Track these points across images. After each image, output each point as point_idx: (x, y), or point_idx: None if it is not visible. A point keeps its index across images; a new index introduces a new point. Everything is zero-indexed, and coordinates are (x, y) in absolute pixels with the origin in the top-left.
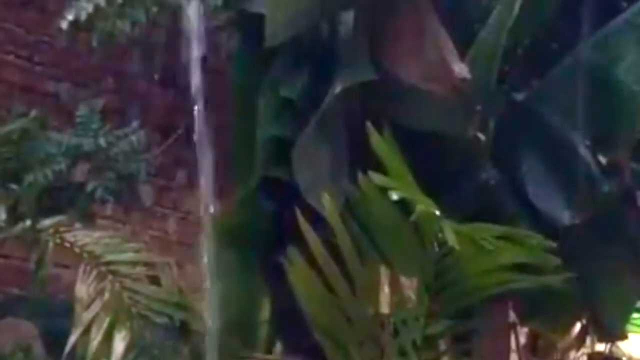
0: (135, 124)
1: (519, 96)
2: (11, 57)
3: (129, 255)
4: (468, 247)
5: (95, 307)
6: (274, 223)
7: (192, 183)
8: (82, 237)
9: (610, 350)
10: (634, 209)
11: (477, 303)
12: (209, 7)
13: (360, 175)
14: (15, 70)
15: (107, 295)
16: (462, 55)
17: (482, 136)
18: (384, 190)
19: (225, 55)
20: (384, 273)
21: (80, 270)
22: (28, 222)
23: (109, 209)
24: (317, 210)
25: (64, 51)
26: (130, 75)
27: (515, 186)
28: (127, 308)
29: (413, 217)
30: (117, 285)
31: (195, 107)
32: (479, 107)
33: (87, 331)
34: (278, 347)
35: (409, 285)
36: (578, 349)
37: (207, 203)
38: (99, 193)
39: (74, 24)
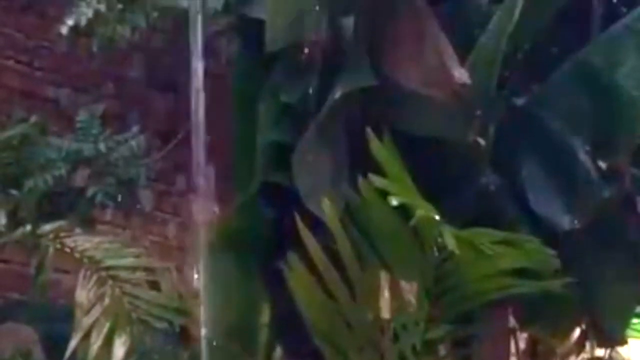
0: (135, 129)
1: (519, 101)
2: (11, 63)
3: (129, 261)
4: (468, 252)
5: (96, 312)
6: (273, 228)
7: (191, 188)
8: (82, 242)
9: (610, 356)
10: (634, 215)
11: (477, 308)
12: (209, 12)
13: (360, 180)
14: (15, 75)
15: (107, 300)
16: (462, 61)
17: (482, 141)
18: (384, 196)
19: (225, 60)
20: (384, 278)
21: (81, 275)
22: (28, 227)
23: (109, 214)
24: (317, 215)
25: (64, 56)
26: (130, 80)
27: (515, 191)
28: (127, 313)
29: (413, 222)
30: (117, 290)
31: (195, 113)
32: (479, 112)
33: (87, 336)
34: (278, 352)
35: (409, 290)
36: (578, 354)
37: (207, 208)
38: (99, 198)
39: (74, 29)
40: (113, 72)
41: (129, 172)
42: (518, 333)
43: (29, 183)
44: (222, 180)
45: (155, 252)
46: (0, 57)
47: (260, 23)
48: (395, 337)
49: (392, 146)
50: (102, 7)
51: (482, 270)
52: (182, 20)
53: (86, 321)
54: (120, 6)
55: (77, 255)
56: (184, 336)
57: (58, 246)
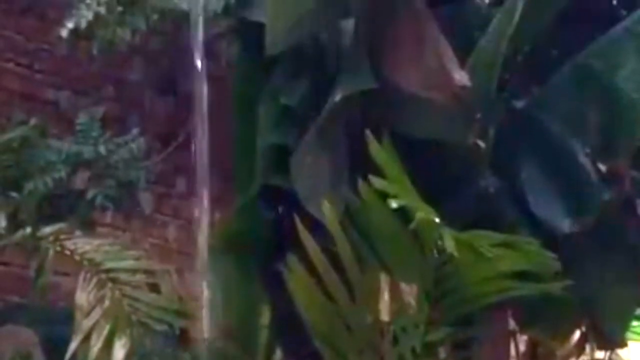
0: (135, 131)
1: (519, 104)
2: (11, 65)
3: (129, 263)
4: (468, 254)
5: (96, 314)
6: (273, 231)
7: (192, 190)
8: (82, 244)
9: (610, 358)
10: (634, 217)
11: (477, 310)
12: (209, 15)
13: (360, 183)
14: (15, 78)
15: (107, 302)
16: (462, 63)
17: (482, 144)
18: (383, 198)
19: (225, 63)
20: (383, 280)
21: (81, 277)
22: (28, 230)
23: (109, 217)
24: (317, 218)
25: (64, 59)
26: (130, 83)
27: (515, 194)
28: (127, 315)
29: (413, 225)
30: (117, 292)
31: (196, 115)
32: (478, 115)
33: (87, 338)
34: (278, 354)
35: (409, 292)
36: (578, 357)
37: (207, 211)
38: (99, 200)
39: (74, 31)
40: (113, 75)
41: (129, 175)
42: (518, 335)
43: (29, 185)
44: (223, 183)
45: (155, 254)
46: (1, 60)
47: (260, 26)
48: (395, 340)
49: (392, 149)
50: (102, 10)
51: (482, 273)
52: (182, 23)
53: (86, 323)
54: (120, 9)
55: (77, 257)
56: (184, 338)
57: (58, 249)
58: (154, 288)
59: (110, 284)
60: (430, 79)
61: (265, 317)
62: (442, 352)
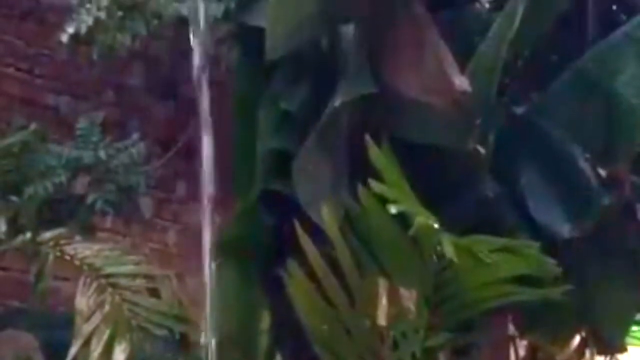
0: (135, 136)
1: (519, 109)
2: (11, 70)
3: (128, 268)
4: (467, 259)
5: (96, 319)
6: (273, 236)
7: (191, 195)
8: (82, 249)
9: None
10: (634, 222)
11: (477, 316)
12: (209, 20)
13: (360, 188)
14: (15, 82)
15: (107, 307)
16: (462, 68)
17: (481, 149)
18: (383, 203)
19: (225, 68)
20: (382, 285)
21: (80, 282)
22: (28, 235)
23: (109, 222)
24: (317, 223)
25: (64, 64)
26: (130, 88)
27: (515, 199)
28: (127, 320)
29: (412, 231)
30: (117, 297)
31: (196, 120)
32: (478, 120)
33: (87, 343)
34: (277, 359)
35: (408, 297)
36: None
37: (207, 215)
38: (99, 205)
39: (75, 36)
40: (113, 80)
41: (129, 180)
42: (518, 340)
43: (29, 190)
44: (223, 188)
45: (155, 259)
46: (1, 65)
47: (260, 31)
48: (395, 345)
49: (391, 153)
50: (103, 15)
51: (482, 278)
52: (182, 28)
53: (86, 328)
54: (120, 14)
55: (77, 262)
56: (184, 343)
57: (58, 253)
58: (154, 293)
59: (110, 289)
60: (430, 84)
61: (265, 321)
62: (442, 358)
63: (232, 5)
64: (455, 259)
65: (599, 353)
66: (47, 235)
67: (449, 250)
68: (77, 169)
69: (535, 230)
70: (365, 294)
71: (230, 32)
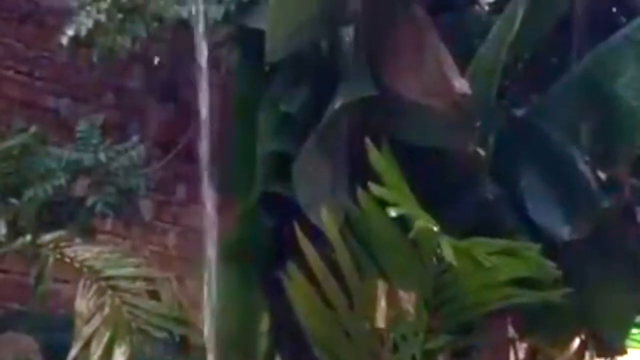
0: (135, 139)
1: (519, 111)
2: (11, 73)
3: (128, 270)
4: (467, 262)
5: (95, 321)
6: (273, 238)
7: (191, 198)
8: (82, 252)
9: None
10: (634, 225)
11: (477, 318)
12: (209, 22)
13: (359, 191)
14: (15, 85)
15: (107, 309)
16: (462, 71)
17: (481, 151)
18: (383, 206)
19: (225, 70)
20: (382, 288)
21: (80, 285)
22: (28, 237)
23: (108, 224)
24: (317, 225)
25: (64, 66)
26: (130, 90)
27: (514, 201)
28: (127, 323)
29: (412, 233)
30: (117, 300)
31: (196, 122)
32: (478, 123)
33: (87, 345)
34: None
35: (408, 300)
36: None
37: (207, 218)
38: (98, 208)
39: (74, 39)
40: (113, 82)
41: (129, 182)
42: (517, 343)
43: (28, 193)
44: (223, 190)
45: (155, 261)
46: (0, 67)
47: (260, 33)
48: (395, 348)
49: (391, 156)
50: (102, 17)
51: (481, 281)
52: (182, 30)
53: (86, 331)
54: (120, 16)
55: (76, 264)
56: (184, 346)
57: (58, 256)
58: (154, 295)
59: (110, 291)
60: (430, 87)
61: (264, 324)
62: None
63: (232, 7)
64: (454, 262)
65: (599, 355)
66: (47, 237)
67: (448, 253)
68: (77, 172)
69: (535, 233)
70: (364, 296)
71: (230, 35)
